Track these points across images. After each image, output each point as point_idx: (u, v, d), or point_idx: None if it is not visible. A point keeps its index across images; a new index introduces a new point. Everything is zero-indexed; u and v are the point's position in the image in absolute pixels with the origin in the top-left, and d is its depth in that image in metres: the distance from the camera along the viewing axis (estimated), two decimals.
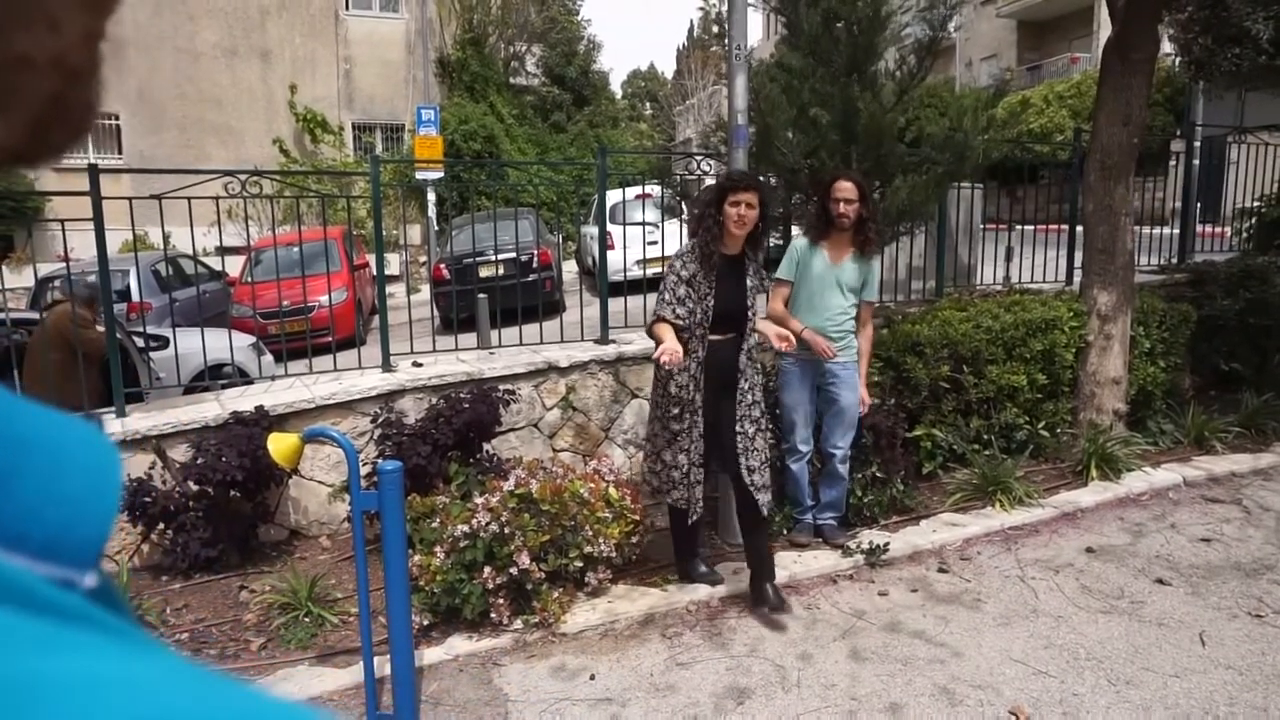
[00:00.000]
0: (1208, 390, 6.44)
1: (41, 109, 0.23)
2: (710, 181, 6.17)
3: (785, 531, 4.39)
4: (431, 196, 11.05)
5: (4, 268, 6.92)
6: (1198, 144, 7.70)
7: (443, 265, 8.72)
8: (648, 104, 44.24)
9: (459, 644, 3.57)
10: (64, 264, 5.64)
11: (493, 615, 3.61)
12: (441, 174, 10.96)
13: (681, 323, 3.57)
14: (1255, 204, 7.65)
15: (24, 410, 0.23)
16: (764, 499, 3.66)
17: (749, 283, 3.68)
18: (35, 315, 5.60)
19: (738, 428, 3.65)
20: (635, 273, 6.53)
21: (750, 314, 3.66)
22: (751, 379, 3.70)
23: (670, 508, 3.85)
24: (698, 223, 3.72)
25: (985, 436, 5.17)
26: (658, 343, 3.49)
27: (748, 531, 3.78)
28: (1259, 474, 5.19)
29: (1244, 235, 7.89)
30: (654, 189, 7.14)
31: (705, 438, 3.67)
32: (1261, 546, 4.24)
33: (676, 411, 3.66)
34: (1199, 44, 6.67)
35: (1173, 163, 8.41)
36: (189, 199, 4.52)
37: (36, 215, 11.94)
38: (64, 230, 4.56)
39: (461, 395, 4.66)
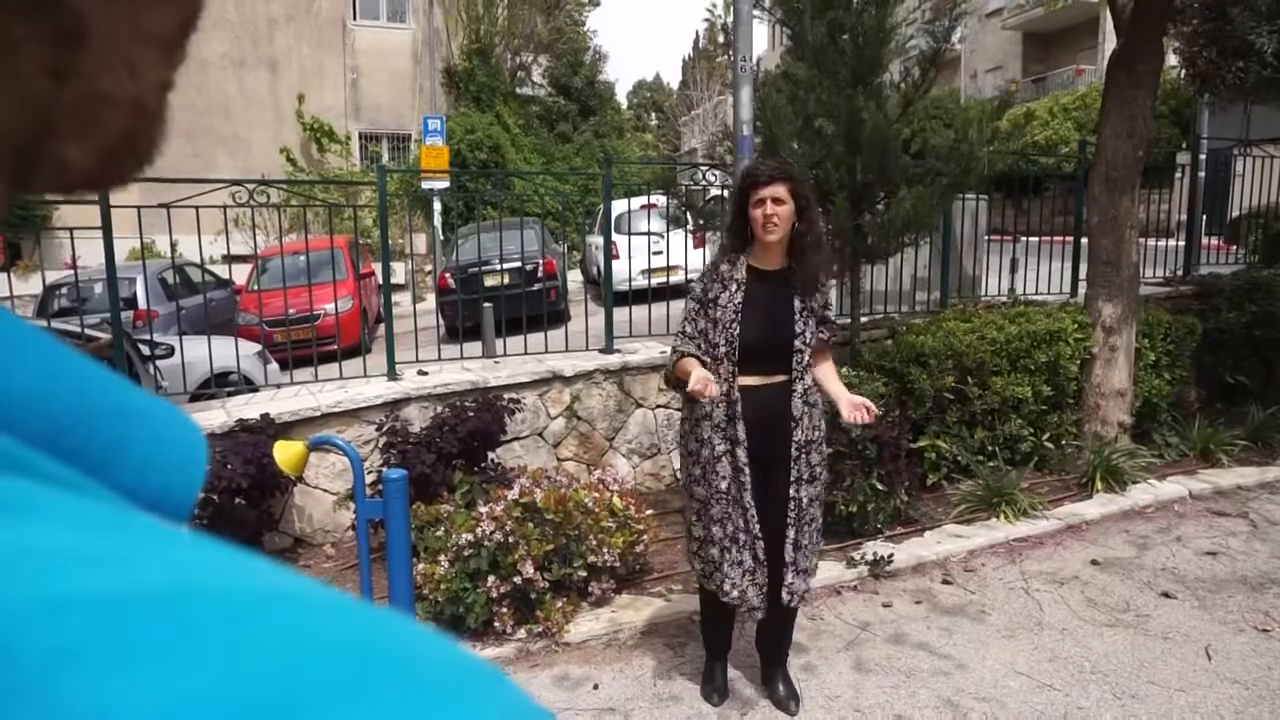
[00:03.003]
0: (1213, 403, 6.43)
1: (115, 143, 0.27)
2: (715, 192, 6.19)
3: None
4: (437, 206, 11.10)
5: (11, 275, 6.96)
6: (1203, 157, 7.71)
7: (448, 274, 8.75)
8: (653, 114, 44.39)
9: None
10: (71, 271, 5.67)
11: (496, 624, 3.61)
12: (447, 183, 11.00)
13: (705, 360, 2.88)
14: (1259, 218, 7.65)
15: (128, 389, 0.26)
16: (801, 586, 2.92)
17: (797, 304, 2.86)
18: (41, 324, 5.63)
19: (791, 492, 2.86)
20: (640, 282, 6.54)
21: (800, 345, 2.86)
22: (810, 429, 2.89)
23: (701, 589, 3.15)
24: (725, 232, 3.10)
25: (990, 448, 5.16)
26: (678, 384, 2.90)
27: (768, 620, 3.05)
28: (1265, 487, 5.16)
29: (1250, 248, 7.88)
30: (659, 199, 7.15)
31: (754, 505, 2.88)
32: (1268, 560, 4.22)
33: (699, 473, 2.94)
34: (1203, 57, 6.68)
35: (1178, 175, 8.42)
36: (196, 208, 4.54)
37: (44, 223, 12.01)
38: (72, 238, 4.59)
39: (466, 404, 4.66)
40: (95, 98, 0.26)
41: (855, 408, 2.72)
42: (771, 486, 2.89)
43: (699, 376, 2.65)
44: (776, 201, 2.80)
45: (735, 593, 2.90)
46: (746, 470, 2.85)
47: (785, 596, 2.91)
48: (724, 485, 2.88)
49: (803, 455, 2.87)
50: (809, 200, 2.89)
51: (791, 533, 2.88)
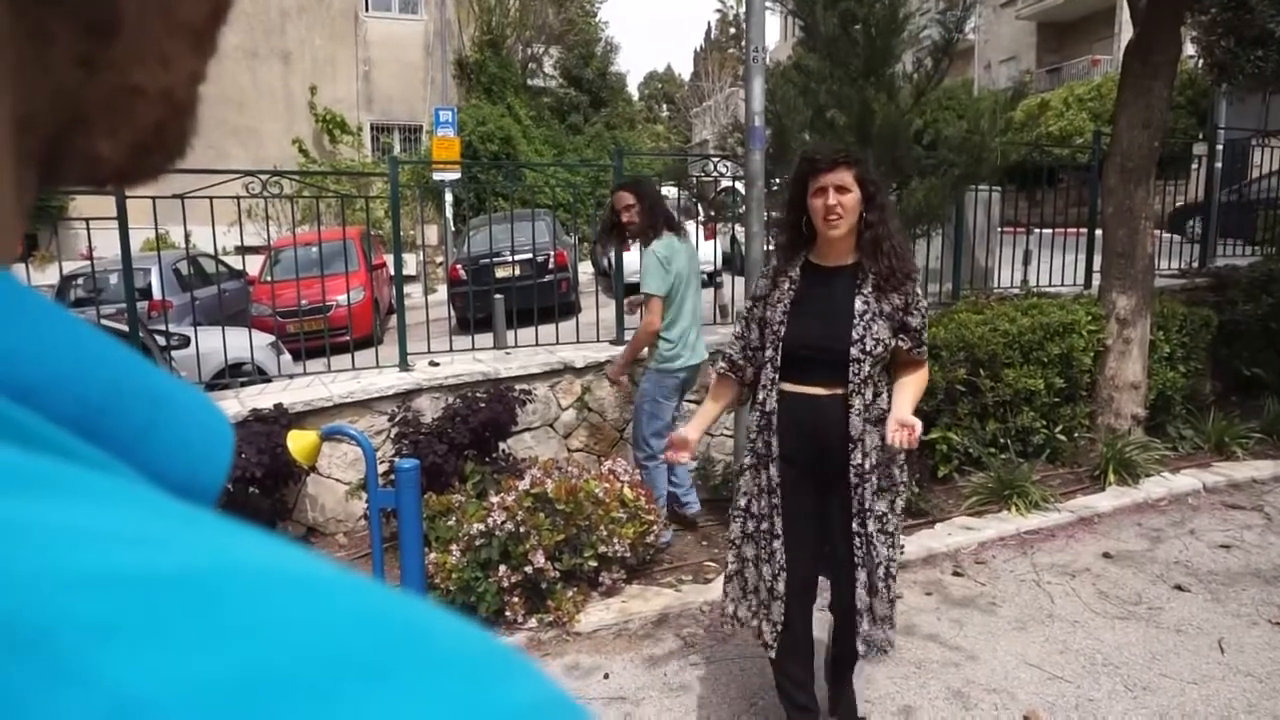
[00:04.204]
0: (1229, 396, 6.38)
1: (146, 135, 0.27)
2: (726, 183, 6.17)
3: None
4: (449, 197, 11.12)
5: (29, 266, 7.02)
6: (1220, 147, 7.63)
7: (459, 266, 8.77)
8: (664, 106, 44.28)
9: None
10: (88, 262, 5.72)
11: (507, 614, 3.63)
12: (459, 175, 11.01)
13: (742, 367, 2.65)
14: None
15: (157, 373, 0.26)
16: (879, 636, 2.51)
17: (859, 306, 2.45)
18: None
19: (854, 526, 2.46)
20: None
21: (857, 354, 2.43)
22: (872, 450, 2.45)
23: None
24: (779, 227, 2.79)
25: (1001, 440, 5.15)
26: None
27: (839, 671, 2.74)
28: None
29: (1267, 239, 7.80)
30: (670, 191, 7.13)
31: (795, 536, 2.53)
32: None
33: (744, 502, 2.62)
34: (1221, 46, 6.61)
35: (1195, 166, 8.33)
36: (210, 198, 4.57)
37: (60, 214, 12.10)
38: (88, 229, 4.62)
39: (478, 395, 4.68)
40: (127, 89, 0.25)
41: (899, 427, 2.32)
42: (831, 517, 2.53)
43: (672, 438, 2.71)
44: (840, 190, 2.41)
45: (745, 616, 2.66)
46: (778, 491, 2.51)
47: (862, 649, 2.51)
48: (743, 502, 2.61)
49: (865, 483, 2.44)
50: (878, 186, 2.50)
51: (862, 575, 2.47)
